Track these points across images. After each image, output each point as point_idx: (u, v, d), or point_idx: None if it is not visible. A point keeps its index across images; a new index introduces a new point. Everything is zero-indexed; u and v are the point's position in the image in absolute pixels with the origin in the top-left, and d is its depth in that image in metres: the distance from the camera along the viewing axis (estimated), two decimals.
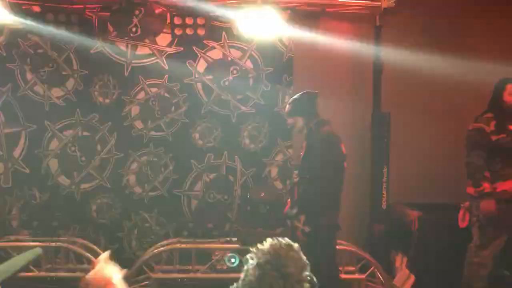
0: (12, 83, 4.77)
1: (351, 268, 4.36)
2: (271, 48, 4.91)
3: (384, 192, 4.65)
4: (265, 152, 5.01)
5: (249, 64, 4.96)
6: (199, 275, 4.39)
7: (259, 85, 4.97)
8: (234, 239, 4.51)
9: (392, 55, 4.52)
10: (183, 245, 4.49)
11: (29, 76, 4.79)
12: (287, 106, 3.56)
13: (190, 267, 4.45)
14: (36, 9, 4.54)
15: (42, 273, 4.35)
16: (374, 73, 4.83)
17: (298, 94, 3.54)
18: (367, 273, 4.31)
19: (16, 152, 4.82)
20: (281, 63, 4.95)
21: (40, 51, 4.78)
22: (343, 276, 3.97)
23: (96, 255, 4.46)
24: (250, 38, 4.80)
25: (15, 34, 4.72)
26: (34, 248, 3.96)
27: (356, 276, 4.33)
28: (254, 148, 5.01)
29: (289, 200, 3.62)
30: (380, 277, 4.27)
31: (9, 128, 4.80)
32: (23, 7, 4.57)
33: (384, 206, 4.66)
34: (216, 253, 4.39)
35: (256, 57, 4.95)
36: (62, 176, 4.87)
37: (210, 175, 4.99)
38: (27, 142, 4.83)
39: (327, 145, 3.29)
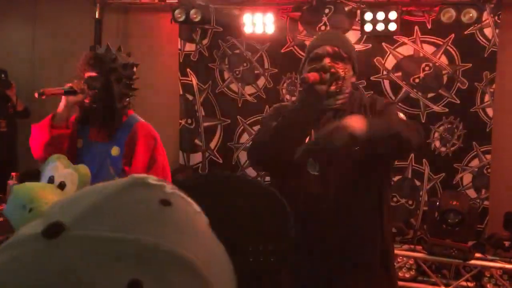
0: (211, 81, 5.26)
1: None
2: (471, 42, 4.45)
3: None
4: (457, 157, 4.58)
5: (443, 60, 4.57)
6: None
7: (454, 83, 4.56)
8: (419, 247, 4.22)
9: None
10: None
11: (226, 74, 5.22)
12: None
13: None
14: (236, 12, 4.91)
15: None
16: None
17: None
18: None
19: (213, 144, 5.31)
20: (482, 58, 4.45)
21: (236, 51, 5.16)
22: None
23: None
24: (446, 32, 4.43)
25: (217, 37, 5.18)
26: None
27: None
28: (445, 151, 4.62)
29: None
30: None
31: (208, 121, 5.31)
32: (224, 11, 4.99)
33: None
34: (399, 260, 4.17)
35: (453, 52, 4.54)
36: (249, 168, 5.19)
37: (393, 177, 4.77)
38: (221, 135, 5.28)
39: None
